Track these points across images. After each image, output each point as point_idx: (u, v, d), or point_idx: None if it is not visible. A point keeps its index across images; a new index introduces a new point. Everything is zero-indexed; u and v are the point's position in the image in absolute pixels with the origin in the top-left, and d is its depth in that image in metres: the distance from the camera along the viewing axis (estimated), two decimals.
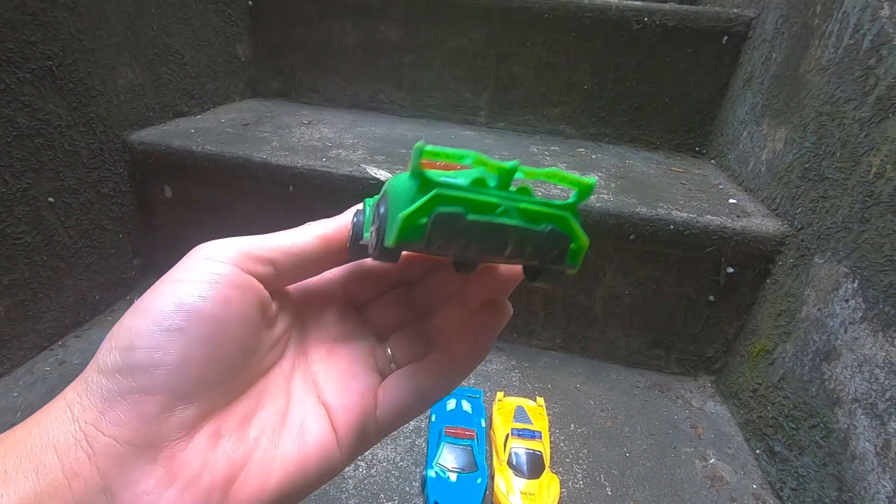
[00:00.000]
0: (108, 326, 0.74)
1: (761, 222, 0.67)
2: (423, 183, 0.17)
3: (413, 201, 0.16)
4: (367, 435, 0.23)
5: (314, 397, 0.23)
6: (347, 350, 0.24)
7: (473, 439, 0.56)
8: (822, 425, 0.53)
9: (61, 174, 0.66)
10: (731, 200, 0.74)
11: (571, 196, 0.19)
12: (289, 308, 0.24)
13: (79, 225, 0.70)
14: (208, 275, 0.20)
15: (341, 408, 0.22)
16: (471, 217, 0.17)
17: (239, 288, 0.20)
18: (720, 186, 0.80)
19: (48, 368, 0.65)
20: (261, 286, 0.21)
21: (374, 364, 0.24)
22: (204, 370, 0.19)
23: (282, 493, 0.20)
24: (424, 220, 0.16)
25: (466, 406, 0.62)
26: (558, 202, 0.18)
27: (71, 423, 0.17)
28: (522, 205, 0.18)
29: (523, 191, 0.19)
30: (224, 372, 0.20)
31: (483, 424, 0.60)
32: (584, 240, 0.18)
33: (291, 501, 0.21)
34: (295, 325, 0.24)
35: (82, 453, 0.17)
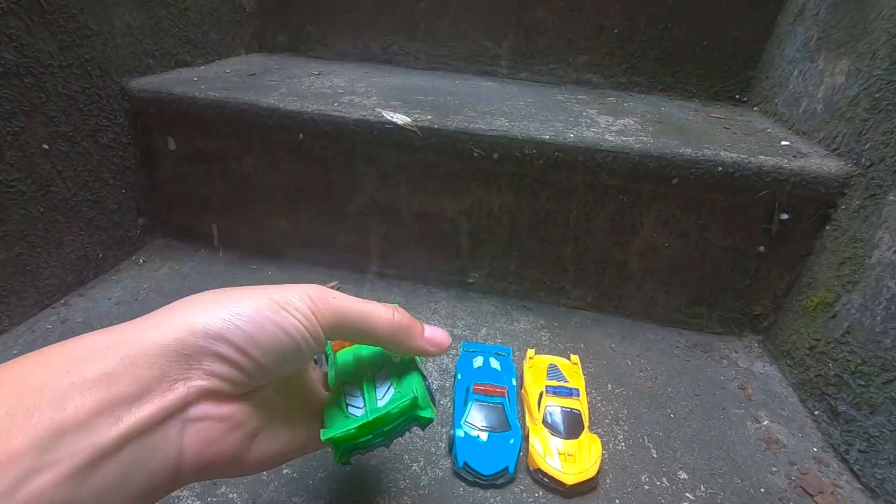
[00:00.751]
0: (112, 286, 0.70)
1: (821, 162, 0.60)
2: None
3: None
4: None
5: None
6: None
7: (504, 397, 0.52)
8: None
9: (55, 119, 0.61)
10: (784, 142, 0.67)
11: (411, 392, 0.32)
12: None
13: (77, 176, 0.65)
14: (300, 325, 0.28)
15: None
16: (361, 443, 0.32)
17: (321, 348, 0.31)
18: (768, 131, 0.73)
19: (49, 326, 0.61)
20: (318, 327, 0.29)
21: None
22: (267, 378, 0.28)
23: (284, 450, 0.32)
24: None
25: (495, 363, 0.57)
26: (405, 400, 0.31)
27: (170, 356, 0.24)
28: (383, 413, 0.31)
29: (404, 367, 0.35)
30: (275, 377, 0.29)
31: (514, 383, 0.55)
32: (431, 414, 0.33)
33: (297, 454, 0.33)
34: None
35: (180, 379, 0.24)
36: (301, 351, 0.27)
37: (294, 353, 0.27)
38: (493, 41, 0.95)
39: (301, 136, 0.69)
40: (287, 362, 0.27)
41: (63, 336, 0.59)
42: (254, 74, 0.83)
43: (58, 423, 0.19)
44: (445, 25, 0.95)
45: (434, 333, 0.33)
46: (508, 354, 0.60)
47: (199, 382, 0.24)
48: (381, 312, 0.30)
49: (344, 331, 0.29)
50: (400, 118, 0.66)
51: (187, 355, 0.23)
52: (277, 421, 0.30)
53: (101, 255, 0.71)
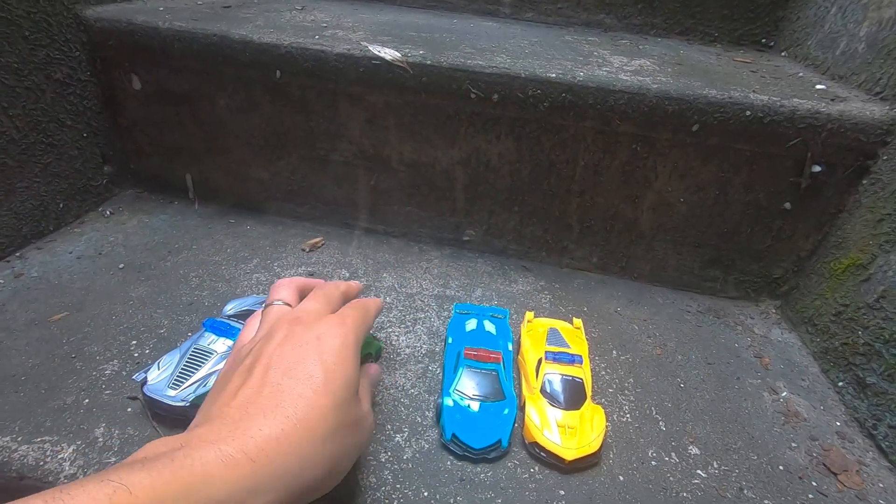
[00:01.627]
0: (74, 239, 0.64)
1: (862, 107, 0.53)
2: None
3: None
4: None
5: None
6: None
7: (499, 363, 0.46)
8: None
9: None
10: (819, 86, 0.60)
11: None
12: None
13: (27, 115, 0.58)
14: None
15: None
16: None
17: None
18: (800, 75, 0.66)
19: (1, 281, 0.56)
20: None
21: None
22: None
23: None
24: None
25: (490, 327, 0.52)
26: None
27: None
28: None
29: None
30: None
31: (510, 348, 0.50)
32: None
33: None
34: None
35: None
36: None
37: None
38: None
39: (278, 73, 0.62)
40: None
41: (16, 292, 0.54)
42: (229, 7, 0.74)
43: None
44: None
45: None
46: (505, 317, 0.54)
47: None
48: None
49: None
50: (388, 53, 0.58)
51: None
52: None
53: (61, 206, 0.65)
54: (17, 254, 0.60)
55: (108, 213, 0.70)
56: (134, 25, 0.62)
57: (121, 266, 0.60)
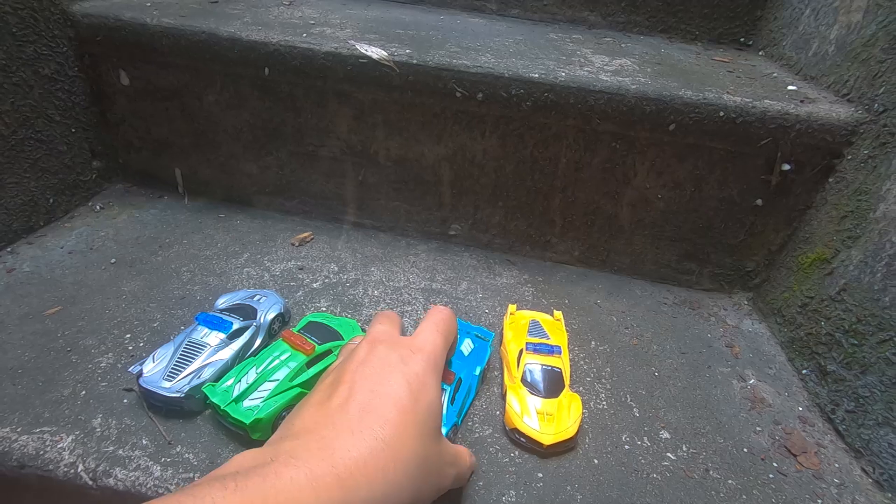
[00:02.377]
0: (65, 233, 0.65)
1: (830, 108, 0.56)
2: None
3: None
4: None
5: None
6: None
7: (450, 384, 0.43)
8: (895, 340, 0.45)
9: None
10: (791, 87, 0.62)
11: None
12: None
13: (15, 110, 0.59)
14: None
15: None
16: None
17: None
18: (774, 75, 0.68)
19: None
20: None
21: None
22: None
23: None
24: None
25: (467, 347, 0.50)
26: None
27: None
28: None
29: None
30: None
31: (477, 373, 0.48)
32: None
33: None
34: None
35: None
36: None
37: None
38: None
39: (266, 70, 0.63)
40: None
41: (8, 287, 0.55)
42: (216, 2, 0.75)
43: None
44: None
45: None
46: (488, 340, 0.52)
47: None
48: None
49: None
50: (375, 52, 0.60)
51: None
52: None
53: (51, 201, 0.66)
54: (8, 249, 0.61)
55: (98, 207, 0.71)
56: (121, 21, 0.63)
57: (112, 261, 0.61)
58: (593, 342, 0.58)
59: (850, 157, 0.55)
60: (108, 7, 0.64)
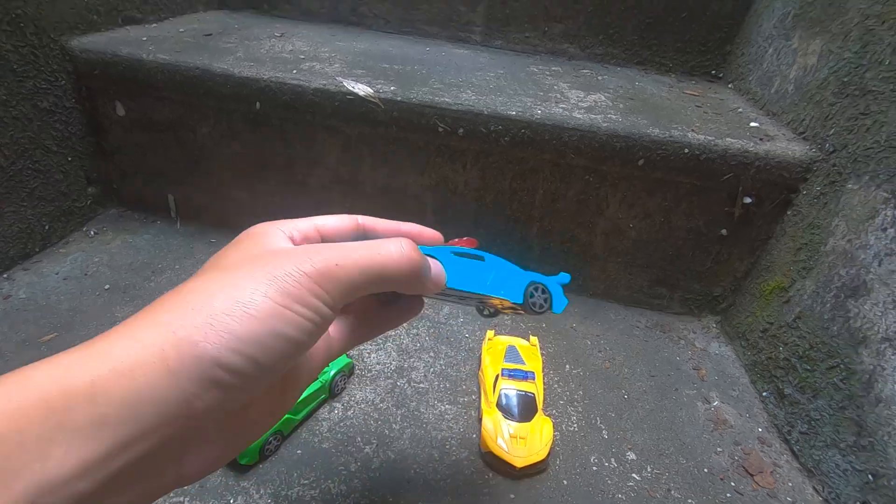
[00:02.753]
0: (60, 259, 0.67)
1: (786, 146, 0.60)
2: None
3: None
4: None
5: None
6: None
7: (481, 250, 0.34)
8: (842, 366, 0.49)
9: None
10: (753, 124, 0.66)
11: None
12: None
13: (15, 143, 0.61)
14: (309, 324, 0.21)
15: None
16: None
17: (322, 331, 0.23)
18: (739, 110, 0.72)
19: None
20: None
21: None
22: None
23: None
24: None
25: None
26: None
27: (175, 389, 0.18)
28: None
29: None
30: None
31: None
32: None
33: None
34: None
35: (181, 415, 0.18)
36: (308, 345, 0.22)
37: (300, 352, 0.22)
38: (467, 6, 0.91)
39: (258, 105, 0.66)
40: (292, 361, 0.22)
41: (5, 314, 0.57)
42: (210, 35, 0.78)
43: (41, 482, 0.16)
44: None
45: (437, 272, 0.28)
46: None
47: (203, 414, 0.19)
48: (394, 257, 0.24)
49: (359, 295, 0.24)
50: (362, 89, 0.63)
51: (187, 391, 0.19)
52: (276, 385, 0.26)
53: (47, 227, 0.68)
54: (5, 275, 0.63)
55: (92, 232, 0.73)
56: (118, 57, 0.65)
57: (106, 287, 0.64)
58: (568, 365, 0.61)
59: (804, 193, 0.59)
60: (106, 42, 0.67)
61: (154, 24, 0.79)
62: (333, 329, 0.30)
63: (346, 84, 0.63)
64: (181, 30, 0.78)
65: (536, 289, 0.33)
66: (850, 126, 0.54)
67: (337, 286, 0.22)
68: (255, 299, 0.20)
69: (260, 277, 0.21)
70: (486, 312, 0.38)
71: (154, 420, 0.18)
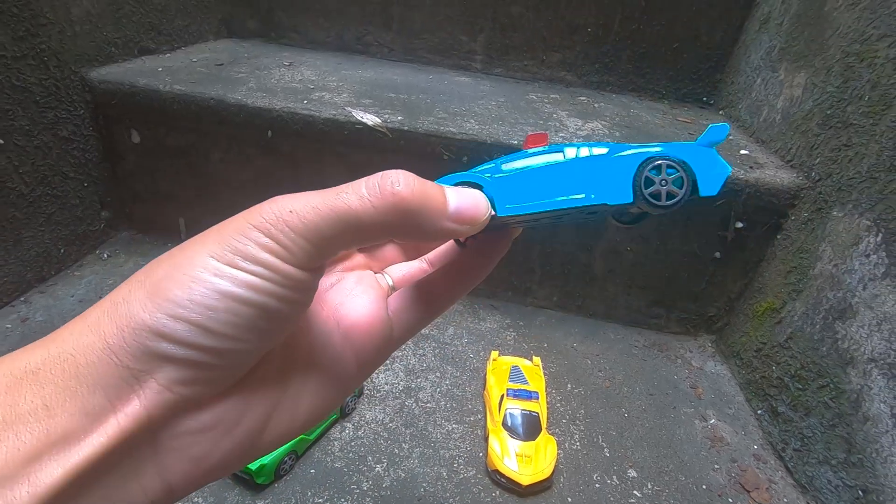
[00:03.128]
0: (75, 282, 0.69)
1: (775, 174, 0.63)
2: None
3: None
4: (381, 351, 0.24)
5: (333, 321, 0.23)
6: (354, 276, 0.25)
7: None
8: (832, 386, 0.51)
9: (10, 113, 0.59)
10: (743, 151, 0.69)
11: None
12: None
13: (35, 171, 0.63)
14: (265, 283, 0.18)
15: (355, 328, 0.23)
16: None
17: (310, 291, 0.20)
18: (730, 138, 0.76)
19: (9, 326, 0.60)
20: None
21: (379, 287, 0.25)
22: (250, 359, 0.19)
23: (309, 419, 0.22)
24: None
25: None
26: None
27: (117, 367, 0.17)
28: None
29: None
30: (266, 351, 0.20)
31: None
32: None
33: (321, 419, 0.23)
34: None
35: (133, 395, 0.17)
36: (278, 313, 0.19)
37: (268, 320, 0.18)
38: (469, 35, 0.95)
39: (270, 133, 0.68)
40: (265, 333, 0.19)
41: (24, 337, 0.58)
42: (222, 64, 0.81)
43: None
44: (421, 17, 0.94)
45: (462, 202, 0.20)
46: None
47: (158, 397, 0.17)
48: (353, 200, 0.18)
49: (333, 250, 0.19)
50: (370, 119, 0.66)
51: (131, 368, 0.17)
52: (296, 379, 0.22)
53: (62, 251, 0.70)
54: (22, 298, 0.65)
55: (105, 255, 0.75)
56: (136, 88, 0.68)
57: None
58: (569, 385, 0.63)
59: (793, 218, 0.62)
60: (124, 73, 0.70)
61: (168, 54, 0.83)
62: (394, 302, 0.24)
63: (354, 114, 0.66)
64: (194, 59, 0.81)
65: (659, 168, 0.20)
66: (834, 156, 0.57)
67: (294, 239, 0.18)
68: (197, 260, 0.18)
69: (208, 239, 0.18)
70: (624, 219, 0.24)
71: (99, 405, 0.16)
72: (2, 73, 0.57)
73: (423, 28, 0.95)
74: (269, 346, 0.20)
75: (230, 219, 0.19)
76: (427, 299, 0.25)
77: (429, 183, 0.20)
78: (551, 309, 0.77)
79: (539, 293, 0.76)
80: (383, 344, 0.24)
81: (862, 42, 0.56)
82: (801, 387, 0.55)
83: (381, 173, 0.19)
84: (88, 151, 0.71)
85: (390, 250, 0.27)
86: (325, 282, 0.25)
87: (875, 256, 0.49)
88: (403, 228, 0.19)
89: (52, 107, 0.64)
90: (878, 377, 0.46)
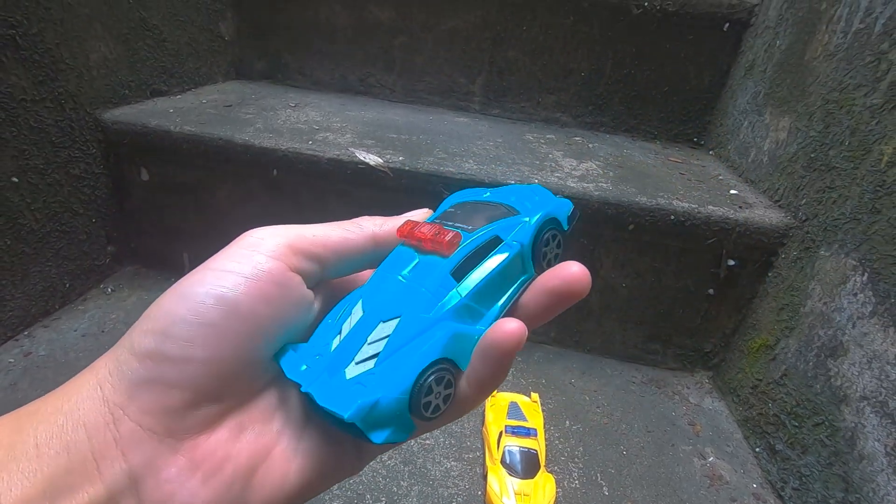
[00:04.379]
0: (78, 316, 0.70)
1: (764, 214, 0.65)
2: None
3: None
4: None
5: None
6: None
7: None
8: (827, 423, 0.52)
9: (26, 153, 0.61)
10: (733, 191, 0.72)
11: None
12: (323, 295, 0.23)
13: (46, 208, 0.65)
14: (252, 269, 0.19)
15: None
16: None
17: (281, 286, 0.20)
18: (720, 177, 0.78)
19: (12, 360, 0.61)
20: (303, 284, 0.21)
21: None
22: (235, 368, 0.19)
23: (303, 486, 0.20)
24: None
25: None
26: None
27: (101, 402, 0.17)
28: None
29: None
30: (254, 369, 0.20)
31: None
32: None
33: (312, 494, 0.21)
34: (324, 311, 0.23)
35: (110, 435, 0.17)
36: (238, 307, 0.18)
37: (233, 318, 0.18)
38: (468, 78, 0.99)
39: (275, 172, 0.71)
40: (233, 333, 0.18)
41: (26, 371, 0.59)
42: (230, 106, 0.84)
43: None
44: (422, 60, 0.98)
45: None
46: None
47: (134, 436, 0.17)
48: (353, 238, 0.22)
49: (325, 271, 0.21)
50: (372, 159, 0.68)
51: (106, 401, 0.17)
52: (291, 429, 0.21)
53: (68, 285, 0.71)
54: (26, 332, 0.66)
55: (109, 289, 0.76)
56: (148, 128, 0.71)
57: None
58: (568, 421, 0.63)
59: (783, 256, 0.64)
60: (136, 115, 0.73)
61: (179, 96, 0.86)
62: None
63: (357, 154, 0.69)
64: (203, 101, 0.85)
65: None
66: (819, 197, 0.59)
67: (264, 236, 0.21)
68: (186, 283, 0.19)
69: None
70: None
71: (84, 447, 0.16)
72: (21, 115, 0.59)
73: (423, 70, 0.99)
74: (243, 354, 0.19)
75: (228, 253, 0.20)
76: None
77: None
78: (549, 344, 0.78)
79: (537, 329, 0.77)
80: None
81: (840, 90, 0.59)
82: (797, 424, 0.56)
83: (362, 221, 0.23)
84: (98, 188, 0.73)
85: None
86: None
87: (862, 295, 0.50)
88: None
89: (66, 146, 0.67)
90: (871, 415, 0.47)
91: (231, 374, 0.19)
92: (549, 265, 0.22)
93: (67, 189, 0.68)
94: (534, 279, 0.22)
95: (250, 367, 0.19)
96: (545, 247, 0.22)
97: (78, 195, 0.70)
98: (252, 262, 0.19)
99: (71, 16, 0.64)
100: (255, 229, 0.21)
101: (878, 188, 0.50)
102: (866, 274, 0.50)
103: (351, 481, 0.52)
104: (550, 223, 0.22)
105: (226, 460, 0.19)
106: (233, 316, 0.18)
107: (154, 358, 0.17)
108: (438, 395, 0.19)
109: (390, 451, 0.56)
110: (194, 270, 0.19)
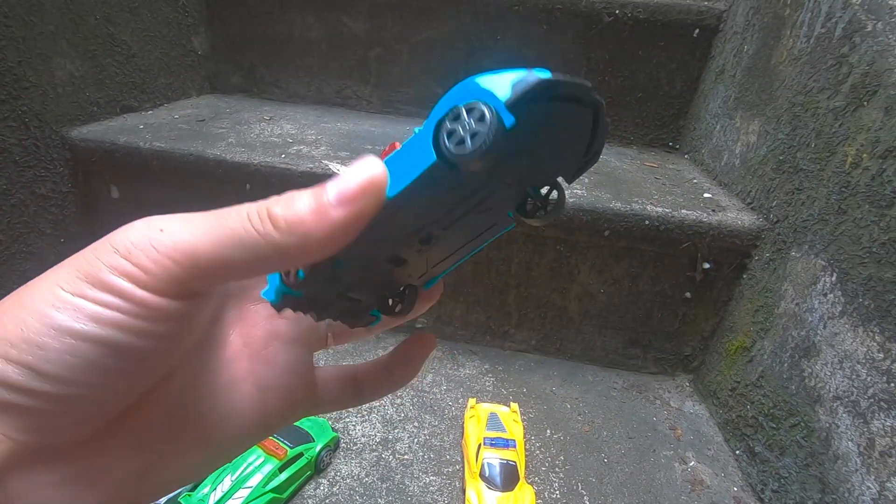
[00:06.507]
0: None
1: (737, 216, 0.65)
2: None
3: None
4: (293, 416, 0.22)
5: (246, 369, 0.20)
6: (286, 324, 0.22)
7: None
8: (802, 424, 0.52)
9: None
10: (706, 195, 0.72)
11: None
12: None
13: (10, 229, 0.64)
14: (111, 313, 0.15)
15: (271, 389, 0.21)
16: None
17: (182, 322, 0.17)
18: (694, 181, 0.79)
19: None
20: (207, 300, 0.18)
21: (313, 340, 0.23)
22: (107, 405, 0.16)
23: (195, 475, 0.20)
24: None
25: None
26: None
27: None
28: None
29: None
30: (136, 393, 0.17)
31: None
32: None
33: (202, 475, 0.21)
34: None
35: None
36: (133, 348, 0.15)
37: (119, 358, 0.15)
38: (443, 88, 0.98)
39: (248, 186, 0.70)
40: (120, 373, 0.16)
41: None
42: (203, 120, 0.83)
43: None
44: (397, 72, 0.98)
45: (343, 178, 0.16)
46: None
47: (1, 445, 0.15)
48: (251, 227, 0.16)
49: (214, 272, 0.16)
50: None
51: None
52: (187, 428, 0.19)
53: None
54: None
55: None
56: (116, 146, 0.70)
57: None
58: (548, 430, 0.63)
59: (756, 258, 0.64)
60: (104, 132, 0.72)
61: (150, 111, 0.85)
62: (323, 375, 0.23)
63: (331, 167, 0.68)
64: (176, 116, 0.84)
65: (458, 115, 0.15)
66: (789, 199, 0.60)
67: (157, 259, 0.15)
68: (41, 291, 0.15)
69: (64, 265, 0.16)
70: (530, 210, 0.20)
71: None
72: None
73: (399, 81, 0.99)
74: (135, 389, 0.17)
75: (97, 241, 0.16)
76: (356, 389, 0.24)
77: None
78: (530, 352, 0.77)
79: (517, 336, 0.76)
80: (299, 411, 0.22)
81: (805, 93, 0.60)
82: (774, 426, 0.56)
83: (269, 203, 0.16)
84: (66, 208, 0.72)
85: None
86: (256, 314, 0.21)
87: (832, 295, 0.50)
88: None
89: (31, 165, 0.65)
90: (844, 415, 0.47)
91: (112, 402, 0.16)
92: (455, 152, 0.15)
93: (33, 209, 0.66)
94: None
95: (134, 392, 0.17)
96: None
97: (45, 215, 0.68)
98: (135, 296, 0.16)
99: (33, 33, 0.62)
100: (136, 234, 0.16)
101: (843, 189, 0.51)
102: (835, 274, 0.50)
103: (327, 501, 0.50)
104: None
105: (113, 468, 0.17)
106: (115, 354, 0.15)
107: (20, 388, 0.15)
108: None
109: (367, 469, 0.55)
110: (62, 273, 0.16)
